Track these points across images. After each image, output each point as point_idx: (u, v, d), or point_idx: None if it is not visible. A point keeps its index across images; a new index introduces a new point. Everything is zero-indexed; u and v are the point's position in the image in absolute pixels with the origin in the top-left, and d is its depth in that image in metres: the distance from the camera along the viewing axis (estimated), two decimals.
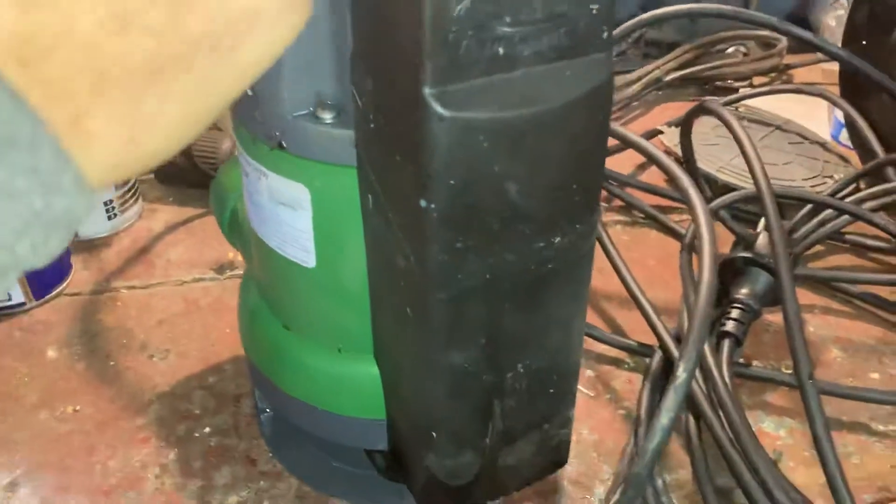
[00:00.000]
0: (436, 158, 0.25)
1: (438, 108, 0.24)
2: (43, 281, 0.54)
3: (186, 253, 0.60)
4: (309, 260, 0.34)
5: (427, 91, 0.24)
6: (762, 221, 0.51)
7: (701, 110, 0.56)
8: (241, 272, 0.51)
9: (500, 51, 0.24)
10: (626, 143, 0.51)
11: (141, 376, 0.49)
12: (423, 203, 0.26)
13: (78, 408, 0.46)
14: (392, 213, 0.28)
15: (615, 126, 0.50)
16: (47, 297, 0.54)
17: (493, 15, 0.24)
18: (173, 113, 0.20)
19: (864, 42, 0.63)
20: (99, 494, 0.41)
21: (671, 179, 0.41)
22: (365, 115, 0.28)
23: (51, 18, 0.18)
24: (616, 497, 0.34)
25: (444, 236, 0.27)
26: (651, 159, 0.44)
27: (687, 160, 0.62)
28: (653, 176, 0.70)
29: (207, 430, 0.45)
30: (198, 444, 0.44)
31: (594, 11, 0.26)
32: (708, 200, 0.59)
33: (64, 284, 0.56)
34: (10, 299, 0.52)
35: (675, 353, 0.44)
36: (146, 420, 0.46)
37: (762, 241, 0.49)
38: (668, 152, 0.69)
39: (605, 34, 0.26)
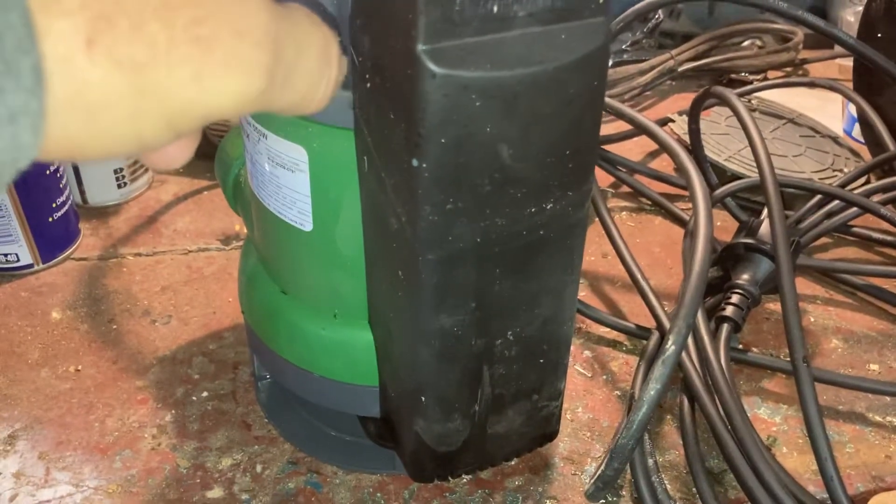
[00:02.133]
0: (428, 116, 0.25)
1: (431, 66, 0.24)
2: (51, 244, 0.54)
3: (193, 223, 0.60)
4: (306, 223, 0.34)
5: (420, 48, 0.24)
6: (766, 209, 0.51)
7: (708, 95, 0.56)
8: None
9: (495, 9, 0.24)
10: (634, 125, 0.51)
11: (142, 340, 0.49)
12: (414, 162, 0.26)
13: (79, 368, 0.47)
14: (385, 174, 0.28)
15: (623, 106, 0.50)
16: (55, 260, 0.55)
17: None
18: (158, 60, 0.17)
19: (879, 35, 0.63)
20: (96, 451, 0.42)
21: (671, 156, 0.41)
22: (362, 74, 0.28)
23: None
24: (602, 468, 0.34)
25: (435, 197, 0.27)
26: (651, 135, 0.44)
27: (694, 146, 0.62)
28: (662, 164, 0.69)
29: (205, 394, 0.46)
30: (195, 408, 0.45)
31: None
32: (714, 189, 0.59)
33: (72, 249, 0.56)
34: (18, 260, 0.53)
35: None
36: (145, 382, 0.46)
37: (765, 228, 0.49)
38: (679, 140, 0.68)
39: None
